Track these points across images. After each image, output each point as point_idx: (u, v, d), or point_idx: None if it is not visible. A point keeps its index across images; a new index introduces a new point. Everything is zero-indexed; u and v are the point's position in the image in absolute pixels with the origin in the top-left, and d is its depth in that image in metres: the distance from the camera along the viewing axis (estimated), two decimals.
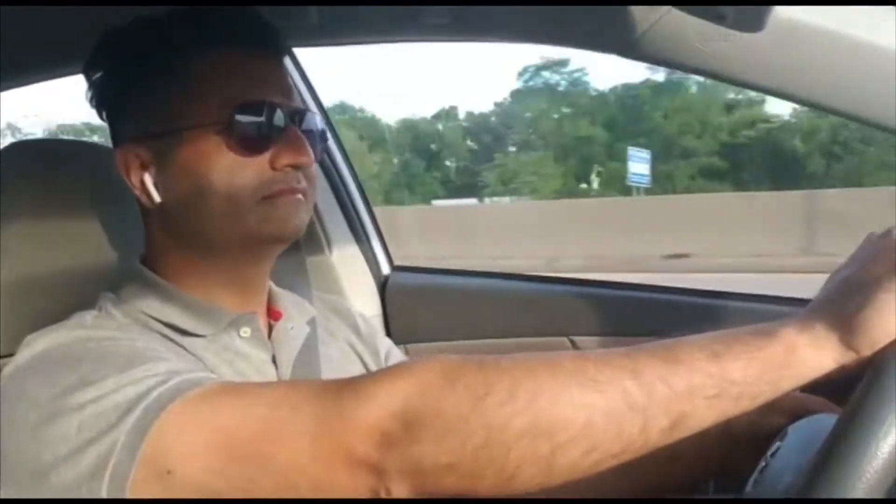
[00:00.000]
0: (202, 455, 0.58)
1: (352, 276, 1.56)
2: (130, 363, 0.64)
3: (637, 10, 0.82)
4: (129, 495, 0.58)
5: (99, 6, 0.89)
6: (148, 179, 0.78)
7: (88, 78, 0.83)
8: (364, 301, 1.55)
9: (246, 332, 0.82)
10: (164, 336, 0.77)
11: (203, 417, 0.60)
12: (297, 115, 0.81)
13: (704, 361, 0.53)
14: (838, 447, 0.45)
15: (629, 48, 0.87)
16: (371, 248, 1.62)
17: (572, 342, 1.45)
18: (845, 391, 0.53)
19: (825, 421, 0.60)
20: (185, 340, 0.77)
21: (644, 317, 1.43)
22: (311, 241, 1.48)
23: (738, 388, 0.53)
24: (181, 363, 0.69)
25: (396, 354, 1.06)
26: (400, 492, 0.56)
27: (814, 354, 0.52)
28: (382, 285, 1.61)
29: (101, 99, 0.83)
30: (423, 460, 0.54)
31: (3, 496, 0.63)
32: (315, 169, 0.83)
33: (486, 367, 0.56)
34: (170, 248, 0.82)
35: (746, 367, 0.52)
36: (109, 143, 0.86)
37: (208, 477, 0.58)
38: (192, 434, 0.59)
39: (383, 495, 0.57)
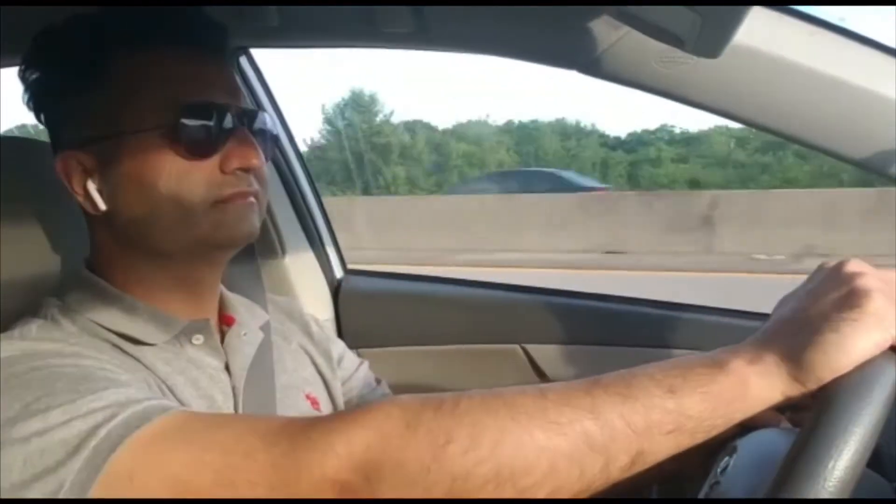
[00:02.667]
0: (153, 502, 0.56)
1: (305, 280, 1.55)
2: (77, 391, 0.61)
3: (598, 29, 0.83)
4: None
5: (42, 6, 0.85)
6: (91, 187, 0.75)
7: (24, 80, 0.80)
8: (317, 305, 1.54)
9: (198, 339, 0.80)
10: (114, 345, 0.74)
11: (154, 464, 0.57)
12: (246, 116, 0.79)
13: (661, 398, 0.54)
14: (789, 479, 0.47)
15: (589, 66, 0.88)
16: (325, 252, 1.61)
17: (524, 349, 1.46)
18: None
19: (774, 437, 0.61)
20: (136, 349, 0.75)
21: (594, 325, 1.45)
22: (264, 244, 1.47)
23: (693, 423, 0.54)
24: (131, 384, 0.66)
25: (350, 357, 1.06)
26: None
27: (764, 388, 0.54)
28: (336, 289, 1.60)
29: (38, 102, 0.80)
30: None
31: None
32: (266, 170, 0.81)
33: (445, 411, 0.55)
34: (117, 254, 0.79)
35: (702, 402, 0.53)
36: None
37: None
38: (142, 482, 0.57)
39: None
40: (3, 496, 0.57)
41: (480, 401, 0.56)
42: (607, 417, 0.53)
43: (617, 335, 1.42)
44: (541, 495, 0.53)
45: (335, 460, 0.54)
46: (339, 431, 0.56)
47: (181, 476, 0.57)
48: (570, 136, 28.95)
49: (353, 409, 0.61)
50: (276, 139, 0.86)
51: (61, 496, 0.56)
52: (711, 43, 0.72)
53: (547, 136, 28.80)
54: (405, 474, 0.53)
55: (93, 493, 0.56)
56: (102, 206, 0.76)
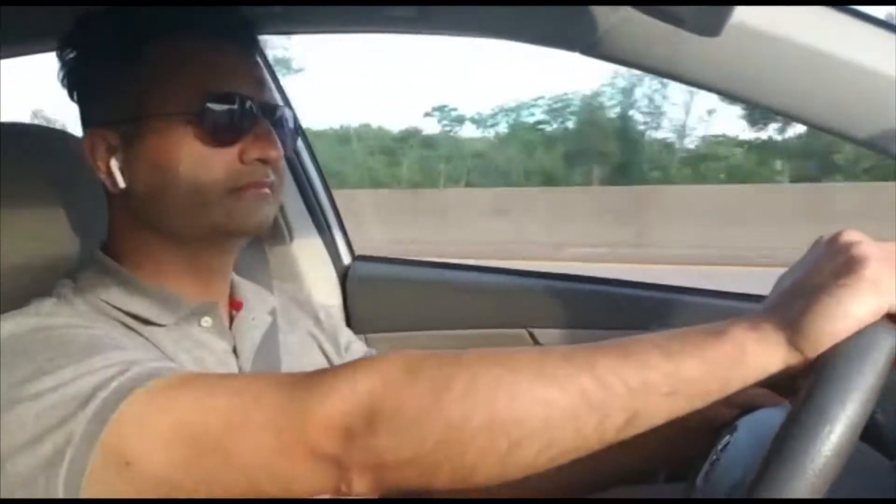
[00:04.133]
0: (162, 448, 0.58)
1: (313, 266, 1.56)
2: (88, 352, 0.63)
3: (599, 10, 0.84)
4: (85, 487, 0.57)
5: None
6: (114, 164, 0.78)
7: (61, 57, 0.82)
8: (325, 291, 1.56)
9: (207, 321, 0.82)
10: (124, 325, 0.76)
11: (162, 410, 0.59)
12: (269, 109, 0.81)
13: (659, 359, 0.54)
14: (784, 447, 0.47)
15: (590, 47, 0.88)
16: (332, 238, 1.62)
17: (531, 334, 1.47)
18: (784, 384, 0.55)
19: (773, 416, 0.62)
20: (146, 329, 0.77)
21: (603, 310, 1.45)
22: (272, 230, 1.47)
23: (690, 387, 0.54)
24: (140, 352, 0.69)
25: (357, 345, 1.07)
26: (360, 485, 0.57)
27: (762, 354, 0.54)
28: (343, 275, 1.61)
29: (72, 80, 0.83)
30: (384, 454, 0.55)
31: None
32: (283, 163, 0.83)
33: (446, 361, 0.57)
34: (131, 234, 0.81)
35: (698, 366, 0.54)
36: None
37: (168, 470, 0.58)
38: (151, 427, 0.58)
39: (344, 489, 0.57)
40: (16, 453, 0.59)
41: (481, 354, 0.57)
42: (604, 375, 0.54)
43: (623, 319, 1.42)
44: (534, 448, 0.54)
45: (340, 403, 0.56)
46: (343, 377, 0.57)
47: (189, 420, 0.58)
48: None
49: (356, 360, 0.62)
50: (296, 134, 0.88)
51: (71, 447, 0.58)
52: (711, 22, 0.72)
53: None
54: (404, 418, 0.54)
55: (100, 442, 0.58)
56: (122, 183, 0.78)
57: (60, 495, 0.58)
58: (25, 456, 0.59)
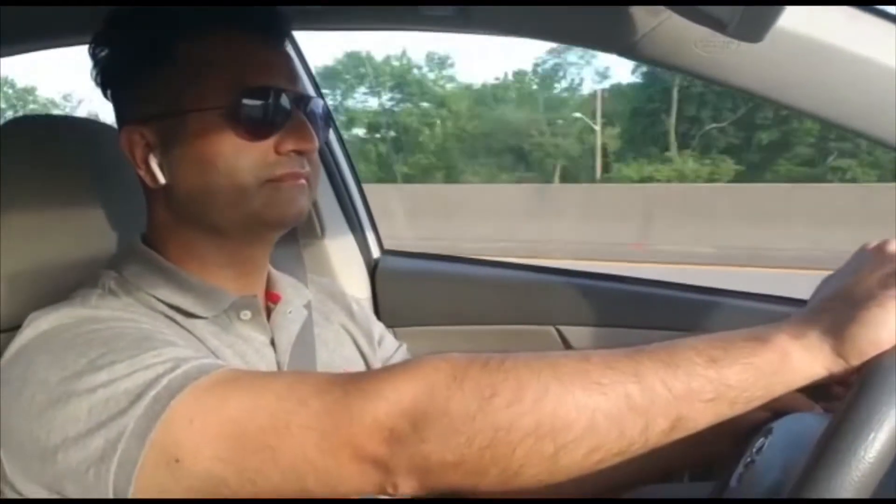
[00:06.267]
0: (211, 445, 0.59)
1: (343, 260, 1.58)
2: (139, 347, 0.65)
3: (640, 13, 0.84)
4: (135, 482, 0.59)
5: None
6: (153, 160, 0.79)
7: (94, 56, 0.83)
8: (355, 284, 1.57)
9: (246, 314, 0.83)
10: (167, 317, 0.78)
11: (212, 408, 0.60)
12: (302, 101, 0.81)
13: (703, 366, 0.55)
14: (829, 450, 0.48)
15: (630, 49, 0.88)
16: (362, 232, 1.64)
17: (558, 331, 1.47)
18: (818, 389, 0.56)
19: (809, 420, 0.62)
20: (187, 322, 0.78)
21: (631, 308, 1.45)
22: (305, 224, 1.49)
23: (734, 393, 0.55)
24: (188, 348, 0.70)
25: (389, 339, 1.08)
26: (406, 486, 0.58)
27: (806, 362, 0.55)
28: (373, 269, 1.63)
29: (106, 77, 0.84)
30: (430, 458, 0.56)
31: (7, 473, 0.63)
32: (317, 155, 0.84)
33: (491, 367, 0.57)
34: (172, 229, 0.82)
35: (742, 372, 0.55)
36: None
37: (216, 466, 0.59)
38: (201, 424, 0.60)
39: (390, 490, 0.58)
40: (68, 446, 0.60)
41: (525, 360, 0.58)
42: (648, 381, 0.55)
43: (651, 318, 1.42)
44: (580, 453, 0.55)
45: (385, 406, 0.57)
46: (388, 381, 0.58)
47: (238, 418, 0.60)
48: None
49: (402, 362, 0.63)
50: (328, 124, 0.89)
51: (122, 442, 0.59)
52: (753, 27, 0.72)
53: None
54: (450, 423, 0.55)
55: (152, 438, 0.59)
56: (162, 179, 0.79)
57: (110, 489, 0.59)
58: (77, 449, 0.60)
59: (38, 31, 1.19)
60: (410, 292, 1.61)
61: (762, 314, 1.30)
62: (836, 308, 0.56)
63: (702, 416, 0.55)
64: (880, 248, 0.58)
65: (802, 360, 0.55)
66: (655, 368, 0.55)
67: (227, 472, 0.59)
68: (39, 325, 0.69)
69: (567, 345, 1.47)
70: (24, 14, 1.07)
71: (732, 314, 1.35)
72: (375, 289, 1.61)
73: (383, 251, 1.68)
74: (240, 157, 0.76)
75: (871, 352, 0.53)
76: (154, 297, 0.79)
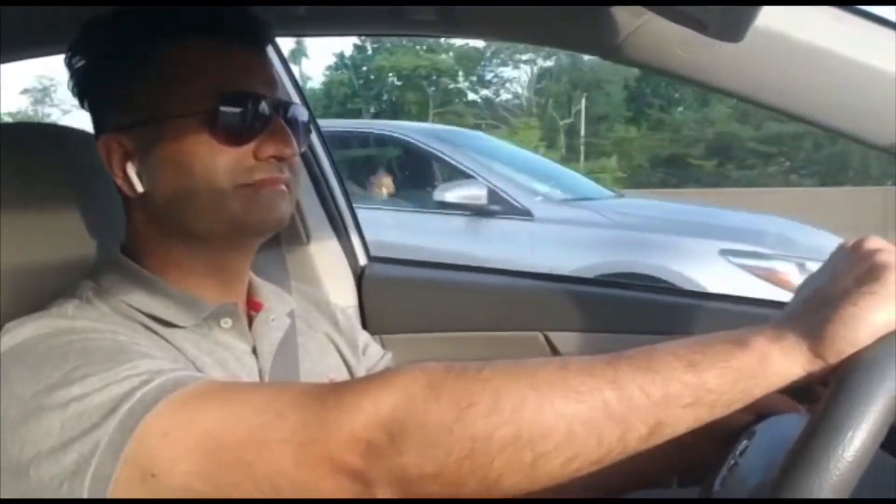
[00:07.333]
0: (186, 459, 0.58)
1: (329, 267, 1.57)
2: (114, 360, 0.64)
3: (621, 15, 0.84)
4: (109, 496, 0.58)
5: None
6: (131, 169, 0.78)
7: (70, 66, 0.83)
8: (341, 291, 1.56)
9: (227, 322, 0.82)
10: (145, 327, 0.77)
11: (187, 421, 0.59)
12: (282, 107, 0.81)
13: (681, 371, 0.54)
14: (807, 450, 0.48)
15: (612, 51, 0.88)
16: (349, 239, 1.63)
17: (546, 337, 1.47)
18: (799, 389, 0.56)
19: (792, 421, 0.62)
20: (166, 331, 0.77)
21: (617, 314, 1.45)
22: (289, 231, 1.48)
23: (713, 397, 0.54)
24: (164, 359, 0.69)
25: (374, 347, 1.07)
26: (384, 497, 0.56)
27: (785, 363, 0.54)
28: (359, 276, 1.62)
29: (82, 87, 0.83)
30: (408, 470, 0.55)
31: None
32: (299, 160, 0.83)
33: (468, 377, 0.56)
34: (152, 237, 0.81)
35: (721, 376, 0.54)
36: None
37: (192, 481, 0.58)
38: (176, 438, 0.59)
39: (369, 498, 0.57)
40: (41, 460, 0.59)
41: (502, 369, 0.57)
42: (626, 387, 0.54)
43: (639, 323, 1.42)
44: (559, 461, 0.54)
45: (362, 419, 0.56)
46: (366, 392, 0.57)
47: (214, 432, 0.58)
48: None
49: (379, 373, 0.62)
50: (309, 131, 0.88)
51: (96, 457, 0.58)
52: (734, 27, 0.72)
53: None
54: (428, 434, 0.55)
55: (126, 452, 0.58)
56: (140, 188, 0.78)
57: None
58: (50, 464, 0.59)
59: (36, 38, 1.18)
60: (397, 299, 1.60)
61: (747, 317, 1.30)
62: (813, 309, 0.56)
63: (681, 421, 0.55)
64: (856, 247, 0.58)
65: (781, 362, 0.54)
66: (634, 374, 0.55)
67: (203, 485, 0.58)
68: (15, 335, 0.68)
69: (555, 350, 1.46)
70: (23, 19, 1.06)
71: (717, 318, 1.36)
72: (362, 296, 1.60)
73: (370, 258, 1.67)
74: (217, 161, 0.76)
75: (848, 350, 0.52)
76: (132, 306, 0.78)
